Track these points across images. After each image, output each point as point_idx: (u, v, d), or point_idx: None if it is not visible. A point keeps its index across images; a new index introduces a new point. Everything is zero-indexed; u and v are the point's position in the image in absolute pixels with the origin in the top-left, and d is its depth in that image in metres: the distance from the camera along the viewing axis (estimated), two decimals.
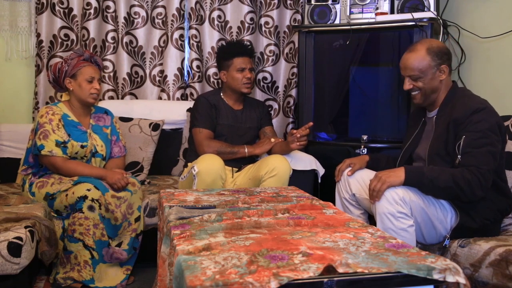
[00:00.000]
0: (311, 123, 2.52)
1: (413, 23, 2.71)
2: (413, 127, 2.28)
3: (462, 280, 1.15)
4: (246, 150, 2.64)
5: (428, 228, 1.97)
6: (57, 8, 3.15)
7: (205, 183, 2.35)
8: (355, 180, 2.30)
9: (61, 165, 2.36)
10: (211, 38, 3.36)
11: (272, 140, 2.67)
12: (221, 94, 2.82)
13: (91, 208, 2.21)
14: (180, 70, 3.31)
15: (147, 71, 3.34)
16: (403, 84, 2.14)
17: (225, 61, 2.76)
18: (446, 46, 2.14)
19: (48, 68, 3.15)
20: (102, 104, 2.98)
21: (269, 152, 2.70)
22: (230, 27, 3.38)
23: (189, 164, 2.65)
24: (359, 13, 2.92)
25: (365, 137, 2.85)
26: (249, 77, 2.73)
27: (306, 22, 3.08)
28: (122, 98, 3.29)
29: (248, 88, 2.76)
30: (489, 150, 1.90)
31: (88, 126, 2.53)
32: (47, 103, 3.18)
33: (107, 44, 3.21)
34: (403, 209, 1.88)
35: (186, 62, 3.36)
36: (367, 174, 2.30)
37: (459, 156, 1.93)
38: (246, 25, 3.36)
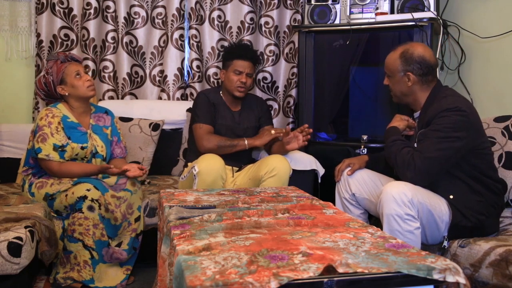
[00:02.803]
0: (306, 125, 2.54)
1: (413, 23, 2.71)
2: None
3: (462, 280, 1.15)
4: (246, 142, 2.61)
5: (432, 229, 1.97)
6: (57, 8, 3.15)
7: (206, 183, 2.35)
8: (355, 180, 2.30)
9: (56, 170, 2.35)
10: (211, 38, 3.36)
11: (272, 132, 2.61)
12: (221, 92, 2.81)
13: (90, 208, 2.20)
14: (180, 70, 3.31)
15: (147, 71, 3.34)
16: None
17: (226, 61, 2.76)
18: (426, 57, 2.07)
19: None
20: (102, 104, 2.97)
21: (269, 152, 2.70)
22: (230, 27, 3.38)
23: (189, 164, 2.65)
24: (359, 13, 2.92)
25: (365, 137, 2.85)
26: (243, 82, 2.70)
27: (306, 22, 3.08)
28: (122, 98, 3.29)
29: (241, 93, 2.72)
30: (439, 141, 1.94)
31: (88, 127, 2.51)
32: (47, 103, 3.17)
33: (107, 44, 3.21)
34: (410, 211, 1.87)
35: (186, 62, 3.36)
36: (367, 174, 2.31)
37: (415, 144, 2.05)
38: (246, 25, 3.36)
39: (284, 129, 2.61)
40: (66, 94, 2.46)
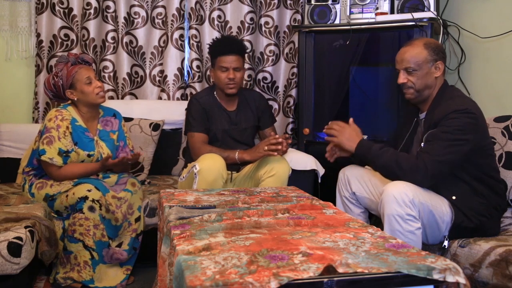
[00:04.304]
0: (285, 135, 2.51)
1: (413, 23, 2.71)
2: (405, 127, 2.28)
3: (462, 280, 1.15)
4: (236, 156, 2.51)
5: (432, 229, 1.97)
6: (57, 8, 3.15)
7: (207, 181, 2.33)
8: (355, 179, 2.31)
9: (57, 174, 2.34)
10: (211, 38, 3.33)
11: (265, 148, 2.43)
12: (214, 93, 2.73)
13: (91, 209, 2.20)
14: (180, 70, 3.31)
15: (147, 71, 3.34)
16: (398, 78, 2.13)
17: (212, 59, 2.68)
18: (442, 45, 2.15)
19: (48, 69, 3.15)
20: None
21: None
22: (230, 27, 3.38)
23: (188, 164, 2.64)
24: (359, 13, 2.92)
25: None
26: (231, 78, 2.58)
27: (306, 22, 3.08)
28: (122, 98, 3.29)
29: (232, 89, 2.62)
30: (450, 144, 1.93)
31: (95, 133, 2.47)
32: (47, 103, 3.18)
33: (107, 44, 3.21)
34: (412, 211, 1.87)
35: (186, 62, 3.36)
36: (367, 173, 2.31)
37: (422, 144, 2.01)
38: (246, 25, 3.36)
39: (279, 142, 2.41)
40: (75, 99, 2.42)
